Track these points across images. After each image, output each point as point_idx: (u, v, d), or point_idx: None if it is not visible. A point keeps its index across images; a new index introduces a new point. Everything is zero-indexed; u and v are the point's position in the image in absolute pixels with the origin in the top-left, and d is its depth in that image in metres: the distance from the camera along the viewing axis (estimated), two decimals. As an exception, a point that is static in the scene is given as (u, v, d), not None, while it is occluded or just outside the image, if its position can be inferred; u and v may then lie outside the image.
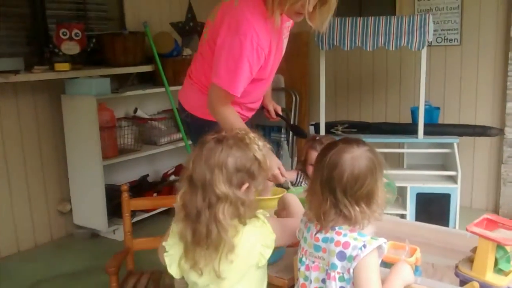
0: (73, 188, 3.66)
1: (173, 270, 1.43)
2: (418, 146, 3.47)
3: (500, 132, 3.55)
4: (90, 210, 3.59)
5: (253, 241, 1.36)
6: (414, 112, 3.59)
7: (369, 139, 3.21)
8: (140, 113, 3.96)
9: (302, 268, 1.34)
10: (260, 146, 1.39)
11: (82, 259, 3.34)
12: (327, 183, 1.29)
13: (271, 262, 1.62)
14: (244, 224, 1.35)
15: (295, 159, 4.80)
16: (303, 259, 1.34)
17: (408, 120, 3.95)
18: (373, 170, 1.28)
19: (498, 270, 1.42)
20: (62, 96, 3.54)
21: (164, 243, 1.44)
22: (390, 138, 3.44)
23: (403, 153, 3.65)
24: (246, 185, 1.36)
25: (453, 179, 3.23)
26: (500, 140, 3.82)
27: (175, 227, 1.40)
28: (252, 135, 1.41)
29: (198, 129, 2.45)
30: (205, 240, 1.31)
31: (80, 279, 3.06)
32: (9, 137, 3.40)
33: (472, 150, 3.94)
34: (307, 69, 4.75)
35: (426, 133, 3.33)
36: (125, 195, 2.41)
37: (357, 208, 1.26)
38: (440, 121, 3.77)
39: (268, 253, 1.38)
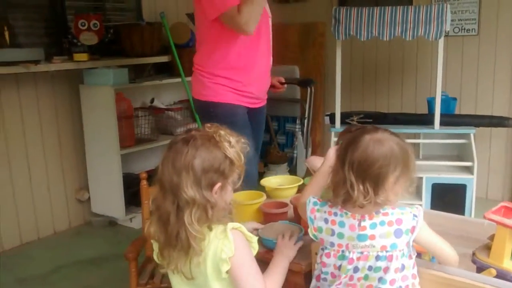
0: (91, 176, 3.72)
1: (156, 257, 1.44)
2: (434, 136, 3.46)
3: (511, 121, 3.52)
4: (107, 199, 3.65)
5: (213, 251, 1.33)
6: (430, 103, 3.57)
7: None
8: (156, 103, 4.00)
9: (345, 263, 1.33)
10: (232, 143, 1.36)
11: (100, 246, 3.41)
12: (341, 157, 1.32)
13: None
14: (210, 229, 1.34)
15: (310, 149, 4.81)
16: (346, 254, 1.33)
17: (424, 110, 3.93)
18: (389, 158, 1.28)
19: (515, 257, 1.44)
20: (80, 86, 3.60)
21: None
22: (406, 128, 3.43)
23: (419, 144, 3.63)
24: (218, 185, 1.34)
25: (469, 169, 3.21)
26: (510, 131, 3.78)
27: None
28: (222, 132, 1.37)
29: (204, 112, 2.59)
30: (175, 243, 1.31)
31: (99, 265, 3.12)
32: (29, 126, 3.46)
33: (489, 141, 3.91)
34: (322, 60, 4.75)
35: (442, 123, 3.32)
36: (143, 183, 2.45)
37: (361, 187, 1.26)
38: (456, 112, 3.74)
39: (225, 268, 1.32)
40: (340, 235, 1.34)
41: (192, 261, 1.33)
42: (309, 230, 1.42)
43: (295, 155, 4.78)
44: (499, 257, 1.42)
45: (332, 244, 1.36)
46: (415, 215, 1.31)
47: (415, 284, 1.34)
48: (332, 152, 1.68)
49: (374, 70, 4.46)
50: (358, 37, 3.30)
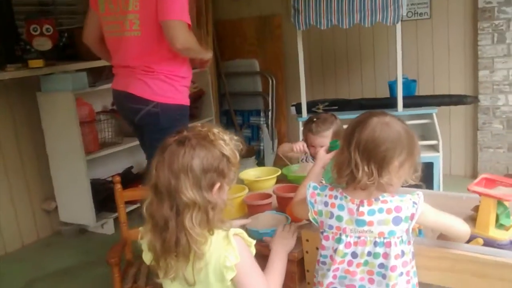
0: (56, 185, 3.60)
1: (147, 258, 1.40)
2: (398, 118, 3.54)
3: (475, 99, 3.67)
4: (76, 206, 3.54)
5: (216, 258, 1.30)
6: (391, 86, 3.66)
7: (350, 115, 3.26)
8: (118, 105, 3.90)
9: (341, 247, 1.33)
10: (226, 141, 1.34)
11: (72, 256, 3.31)
12: (348, 137, 1.32)
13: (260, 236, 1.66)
14: (212, 233, 1.31)
15: (276, 141, 4.84)
16: (342, 237, 1.34)
17: (385, 94, 4.03)
18: (396, 142, 1.30)
19: (499, 226, 1.50)
20: (37, 93, 3.46)
21: (141, 228, 1.40)
22: (371, 112, 3.49)
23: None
24: (217, 185, 1.31)
25: (434, 148, 3.32)
26: (475, 107, 3.94)
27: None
28: (215, 130, 1.35)
29: (171, 116, 2.57)
30: (175, 249, 1.27)
31: (74, 275, 3.03)
32: (-14, 138, 3.31)
33: (448, 119, 4.05)
34: (281, 51, 4.77)
35: (405, 105, 3.41)
36: (118, 187, 2.39)
37: (365, 168, 1.28)
38: (416, 94, 3.85)
39: (230, 275, 1.29)
40: (339, 218, 1.35)
41: (195, 266, 1.29)
42: (309, 215, 1.42)
43: (262, 147, 4.80)
44: (485, 226, 1.48)
45: (330, 227, 1.37)
46: (414, 202, 1.31)
47: (413, 266, 1.37)
48: (322, 152, 1.71)
49: (333, 58, 4.52)
50: (318, 26, 3.34)
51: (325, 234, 1.38)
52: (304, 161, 2.47)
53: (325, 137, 2.33)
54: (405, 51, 4.00)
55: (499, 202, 1.47)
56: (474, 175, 4.00)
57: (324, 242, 1.38)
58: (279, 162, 2.41)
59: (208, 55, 2.70)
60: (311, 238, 1.60)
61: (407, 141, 1.31)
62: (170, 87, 2.53)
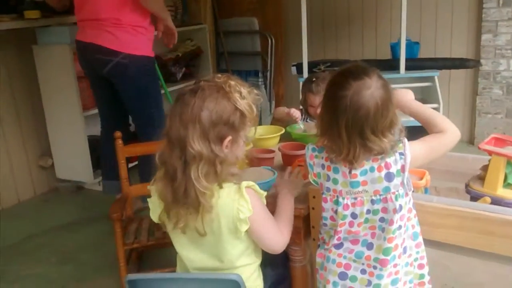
0: (53, 141, 3.56)
1: (155, 216, 1.39)
2: (399, 81, 3.52)
3: (477, 63, 3.64)
4: (73, 163, 3.52)
5: (229, 211, 1.29)
6: (394, 48, 3.62)
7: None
8: (115, 61, 3.83)
9: (340, 209, 1.33)
10: (242, 94, 1.29)
11: (70, 212, 3.30)
12: (354, 126, 1.24)
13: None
14: (221, 187, 1.29)
15: (273, 102, 4.81)
16: (339, 200, 1.33)
17: (385, 56, 3.99)
18: (390, 95, 1.26)
19: (507, 185, 1.50)
20: (33, 46, 3.37)
21: (149, 187, 1.40)
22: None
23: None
24: (228, 139, 1.28)
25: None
26: (475, 72, 3.92)
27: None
28: (232, 81, 1.30)
29: (139, 67, 2.74)
30: (184, 200, 1.26)
31: (73, 231, 3.04)
32: (-19, 92, 3.25)
33: (448, 83, 4.03)
34: (281, 10, 4.68)
35: (407, 68, 3.39)
36: (118, 142, 2.36)
37: (385, 140, 1.25)
38: (418, 56, 3.82)
39: (243, 227, 1.29)
40: (335, 181, 1.34)
41: (204, 218, 1.28)
42: (309, 176, 1.41)
43: (259, 109, 4.76)
44: (494, 185, 1.48)
45: (328, 189, 1.36)
46: (401, 154, 1.28)
47: (411, 217, 1.36)
48: None
49: (334, 18, 4.44)
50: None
51: (323, 196, 1.38)
52: (305, 121, 2.44)
53: None
54: (408, 12, 3.93)
55: (508, 161, 1.47)
56: (471, 140, 4.03)
57: (323, 204, 1.38)
58: (275, 124, 2.38)
59: (168, 18, 2.84)
60: (318, 195, 1.59)
61: (390, 95, 1.26)
62: (137, 39, 2.70)
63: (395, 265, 1.33)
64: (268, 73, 4.71)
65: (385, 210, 1.30)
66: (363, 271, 1.34)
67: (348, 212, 1.33)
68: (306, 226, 1.67)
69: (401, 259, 1.34)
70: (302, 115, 2.48)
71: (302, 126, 2.31)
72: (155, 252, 2.53)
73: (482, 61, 3.80)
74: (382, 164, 1.28)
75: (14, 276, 2.57)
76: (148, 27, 2.75)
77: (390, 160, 1.28)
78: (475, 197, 1.51)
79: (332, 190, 1.35)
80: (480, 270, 2.10)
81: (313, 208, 1.63)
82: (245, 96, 1.30)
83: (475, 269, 2.07)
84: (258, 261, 1.46)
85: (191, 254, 1.39)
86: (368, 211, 1.32)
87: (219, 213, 1.29)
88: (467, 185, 1.56)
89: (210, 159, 1.26)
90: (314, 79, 2.38)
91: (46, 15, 3.27)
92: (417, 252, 1.38)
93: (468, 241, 1.41)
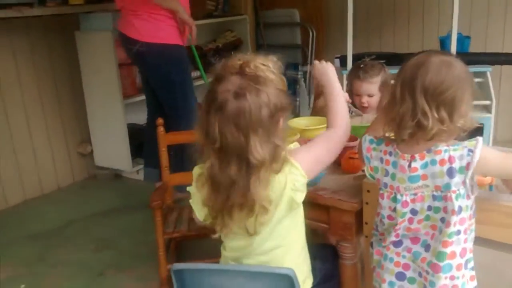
0: (93, 128, 3.57)
1: (202, 215, 1.33)
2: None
3: (533, 59, 3.45)
4: (112, 151, 3.52)
5: (282, 188, 1.23)
6: (444, 41, 3.46)
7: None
8: (156, 50, 3.80)
9: (399, 206, 1.24)
10: (273, 71, 1.21)
11: (108, 200, 3.30)
12: (409, 83, 1.17)
13: (312, 184, 1.56)
14: (277, 173, 1.22)
15: (312, 96, 4.70)
16: (397, 197, 1.24)
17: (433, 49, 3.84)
18: (462, 80, 1.17)
19: None
20: (76, 32, 3.38)
21: (189, 188, 1.33)
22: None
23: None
24: (281, 121, 1.23)
25: (486, 108, 3.16)
26: (527, 68, 3.72)
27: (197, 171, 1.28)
28: (259, 62, 1.20)
29: (157, 55, 2.71)
30: (240, 207, 1.20)
31: (111, 218, 3.03)
32: (24, 77, 3.26)
33: (499, 80, 3.85)
34: (322, 2, 4.56)
35: (457, 62, 3.23)
36: (160, 129, 2.32)
37: (435, 115, 1.14)
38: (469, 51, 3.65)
39: (300, 196, 1.26)
40: (393, 176, 1.25)
41: (258, 219, 1.22)
42: (365, 170, 1.33)
43: (298, 102, 4.67)
44: None
45: (385, 185, 1.27)
46: (470, 150, 1.16)
47: (473, 223, 1.25)
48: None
49: (379, 10, 4.30)
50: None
51: (381, 192, 1.29)
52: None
53: (373, 84, 2.20)
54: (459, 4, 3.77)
55: None
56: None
57: (381, 201, 1.29)
58: (315, 115, 2.29)
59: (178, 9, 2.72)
60: (373, 189, 1.50)
61: (470, 80, 1.20)
62: (155, 26, 2.67)
63: (452, 278, 1.21)
64: (308, 67, 4.60)
65: (446, 209, 1.20)
66: (420, 274, 1.25)
67: (407, 209, 1.24)
68: (358, 222, 1.58)
69: (461, 273, 1.22)
70: (349, 109, 2.39)
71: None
72: (194, 242, 2.49)
73: (537, 57, 3.60)
74: (446, 157, 1.17)
75: (54, 261, 2.57)
76: (170, 14, 2.69)
77: (455, 154, 1.17)
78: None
79: (389, 186, 1.26)
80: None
81: (366, 203, 1.55)
82: (274, 72, 1.22)
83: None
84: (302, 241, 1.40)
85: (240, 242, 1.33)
86: (430, 208, 1.21)
87: (276, 202, 1.23)
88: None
89: (270, 163, 1.19)
90: (362, 65, 2.27)
91: (90, 1, 3.27)
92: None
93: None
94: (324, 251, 1.70)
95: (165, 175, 2.35)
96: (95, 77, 3.39)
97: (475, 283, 1.27)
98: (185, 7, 2.77)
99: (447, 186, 1.18)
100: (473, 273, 1.26)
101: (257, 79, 1.18)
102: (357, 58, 3.45)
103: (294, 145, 1.31)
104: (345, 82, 3.41)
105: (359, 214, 1.57)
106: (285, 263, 1.32)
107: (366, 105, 2.22)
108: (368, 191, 1.53)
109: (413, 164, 1.20)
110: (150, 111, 3.04)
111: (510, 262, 1.47)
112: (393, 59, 3.45)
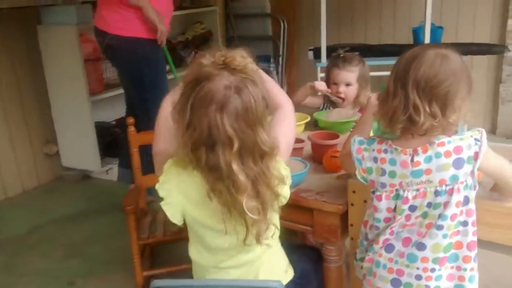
0: (58, 128, 3.41)
1: (177, 218, 1.24)
2: (421, 67, 3.35)
3: (505, 49, 3.46)
4: (79, 151, 3.37)
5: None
6: (417, 32, 3.45)
7: (373, 61, 3.06)
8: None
9: (399, 203, 1.19)
10: (253, 63, 1.16)
11: (76, 202, 3.16)
12: (402, 76, 1.14)
13: (294, 185, 1.54)
14: None
15: (286, 89, 4.64)
16: (400, 193, 1.19)
17: (404, 41, 3.83)
18: (457, 74, 1.13)
19: None
20: (38, 26, 3.20)
21: (157, 186, 1.23)
22: (395, 60, 3.29)
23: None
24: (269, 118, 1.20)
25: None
26: (499, 58, 3.74)
27: (172, 167, 1.20)
28: (239, 55, 1.14)
29: (127, 49, 2.53)
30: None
31: (80, 222, 2.89)
32: (-17, 75, 3.08)
33: (470, 70, 3.85)
34: (294, -8, 4.50)
35: (430, 53, 3.21)
36: (131, 129, 2.21)
37: (427, 109, 1.11)
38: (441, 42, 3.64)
39: (286, 190, 1.21)
40: (392, 174, 1.19)
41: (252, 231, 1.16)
42: (357, 173, 1.26)
43: (270, 95, 4.59)
44: None
45: (383, 185, 1.21)
46: (477, 140, 1.14)
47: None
48: (373, 99, 1.52)
49: (350, 2, 4.26)
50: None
51: (377, 193, 1.23)
52: (326, 109, 2.28)
53: (351, 72, 2.18)
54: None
55: None
56: (493, 130, 3.87)
57: (377, 204, 1.22)
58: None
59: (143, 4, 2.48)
60: (358, 190, 1.45)
61: (466, 73, 1.16)
62: (123, 18, 2.49)
63: (458, 268, 1.18)
64: (280, 59, 4.54)
65: (447, 204, 1.15)
66: (418, 277, 1.19)
67: (407, 206, 1.19)
68: (343, 225, 1.52)
69: (470, 265, 1.19)
70: (324, 103, 2.33)
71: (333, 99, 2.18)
72: (170, 246, 2.38)
73: (509, 47, 3.62)
74: (451, 149, 1.13)
75: (20, 270, 2.44)
76: (136, 3, 2.47)
77: (462, 144, 1.14)
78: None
79: (389, 185, 1.20)
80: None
81: (352, 204, 1.49)
82: (253, 63, 1.16)
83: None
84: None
85: (218, 241, 1.26)
86: (429, 205, 1.17)
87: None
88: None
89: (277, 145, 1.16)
90: (341, 54, 2.23)
91: (52, -7, 3.10)
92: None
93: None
94: (306, 251, 1.67)
95: (138, 177, 2.24)
96: (60, 73, 3.23)
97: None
98: (162, 12, 2.54)
99: (454, 178, 1.14)
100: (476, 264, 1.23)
101: (248, 72, 1.13)
102: (330, 50, 3.40)
103: None
104: (319, 75, 3.39)
105: (344, 216, 1.51)
106: (265, 258, 1.29)
107: (343, 95, 2.18)
108: (354, 191, 1.47)
109: (416, 158, 1.16)
110: (127, 110, 2.87)
111: (494, 259, 1.45)
112: (366, 50, 3.43)
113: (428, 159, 1.15)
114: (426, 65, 1.12)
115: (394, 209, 1.20)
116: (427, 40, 3.16)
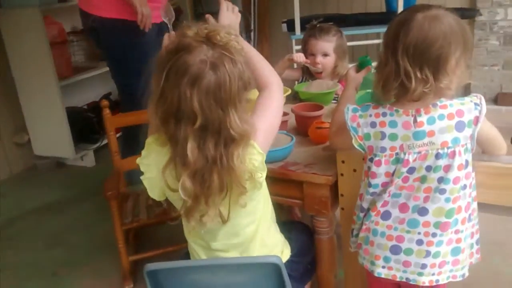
0: (28, 115, 3.28)
1: (155, 194, 1.22)
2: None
3: (477, 13, 3.47)
4: (51, 138, 3.25)
5: (244, 170, 1.14)
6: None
7: (348, 31, 3.03)
8: (90, 25, 3.52)
9: (399, 167, 1.17)
10: (237, 40, 1.12)
11: (52, 191, 3.06)
12: (391, 43, 1.12)
13: (281, 158, 1.53)
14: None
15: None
16: (401, 156, 1.16)
17: (376, 9, 3.80)
18: (449, 36, 1.09)
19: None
20: (-2, 9, 3.05)
21: (138, 161, 1.21)
22: (367, 29, 3.27)
23: (379, 44, 3.51)
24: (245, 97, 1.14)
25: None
26: (470, 23, 3.75)
27: (152, 144, 1.17)
28: (224, 31, 1.10)
29: (110, 31, 2.34)
30: (218, 190, 1.11)
31: (59, 211, 2.80)
32: None
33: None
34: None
35: (404, 20, 3.19)
36: (106, 112, 2.14)
37: (418, 75, 1.09)
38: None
39: (261, 176, 1.16)
40: (393, 137, 1.16)
41: (239, 202, 1.14)
42: (353, 142, 1.22)
43: (243, 71, 4.53)
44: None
45: (383, 149, 1.18)
46: (476, 104, 1.15)
47: (474, 177, 1.21)
48: (352, 72, 1.51)
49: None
50: None
51: (376, 159, 1.19)
52: (305, 81, 2.25)
53: (329, 42, 2.16)
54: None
55: None
56: (466, 94, 3.88)
57: (375, 169, 1.19)
58: None
59: None
60: (348, 159, 1.42)
61: (461, 33, 1.12)
62: None
63: (456, 232, 1.18)
64: (252, 33, 4.45)
65: (448, 167, 1.14)
66: (419, 242, 1.18)
67: (406, 168, 1.16)
68: (333, 195, 1.50)
69: (465, 226, 1.19)
70: (302, 76, 2.29)
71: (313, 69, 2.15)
72: (154, 229, 2.34)
73: (480, 11, 3.63)
74: (454, 111, 1.13)
75: (1, 263, 2.34)
76: None
77: (463, 108, 1.14)
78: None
79: (389, 148, 1.17)
80: (501, 229, 2.01)
81: (342, 175, 1.46)
82: (237, 39, 1.12)
83: (495, 228, 1.96)
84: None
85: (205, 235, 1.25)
86: (428, 168, 1.15)
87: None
88: (514, 139, 1.40)
89: (249, 134, 1.10)
90: (318, 25, 2.20)
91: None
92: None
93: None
94: (297, 225, 1.66)
95: (116, 161, 2.17)
96: (25, 59, 3.09)
97: (478, 236, 1.25)
98: None
99: (456, 140, 1.14)
100: (477, 227, 1.24)
101: (229, 49, 1.08)
102: (304, 21, 3.35)
103: None
104: (294, 47, 3.34)
105: (333, 187, 1.49)
106: (257, 240, 1.27)
107: (320, 66, 2.15)
108: (343, 161, 1.44)
109: (419, 119, 1.14)
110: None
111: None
112: (342, 21, 3.39)
113: (431, 121, 1.14)
114: (414, 30, 1.09)
115: (393, 174, 1.18)
116: (400, 7, 3.14)
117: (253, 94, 1.26)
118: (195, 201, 1.10)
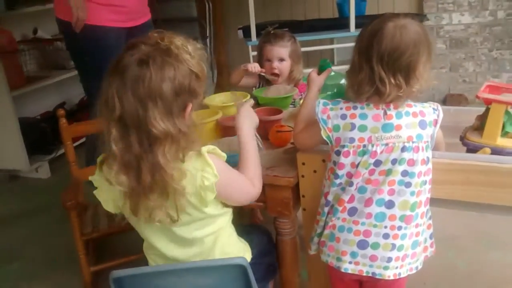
0: (-22, 127, 3.16)
1: (110, 206, 1.24)
2: (348, 40, 3.42)
3: (424, 18, 3.62)
4: (4, 150, 3.15)
5: (193, 183, 1.16)
6: (341, 5, 3.51)
7: (303, 37, 3.10)
8: (41, 33, 3.44)
9: (365, 157, 1.22)
10: (191, 53, 1.14)
11: (6, 204, 2.96)
12: (365, 51, 1.21)
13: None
14: (183, 161, 1.14)
15: (215, 71, 4.58)
16: (368, 148, 1.22)
17: (330, 14, 3.89)
18: (418, 44, 1.19)
19: (504, 134, 1.43)
20: None
21: (91, 178, 1.24)
22: (322, 34, 3.35)
23: (333, 49, 3.60)
24: (190, 107, 1.15)
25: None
26: (419, 27, 3.90)
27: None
28: (178, 41, 1.14)
29: (71, 34, 2.29)
30: (153, 189, 1.12)
31: (13, 225, 2.72)
32: None
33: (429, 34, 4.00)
34: (217, -29, 4.41)
35: (356, 26, 3.29)
36: (62, 121, 2.11)
37: (392, 81, 1.18)
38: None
39: (210, 196, 1.17)
40: (362, 128, 1.23)
41: (178, 202, 1.14)
42: (322, 133, 1.28)
43: (200, 78, 4.52)
44: (493, 135, 1.41)
45: (352, 140, 1.24)
46: (434, 109, 1.28)
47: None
48: (314, 74, 1.55)
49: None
50: None
51: (344, 150, 1.25)
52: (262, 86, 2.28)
53: (284, 48, 2.20)
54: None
55: (506, 110, 1.40)
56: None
57: (343, 160, 1.24)
58: (219, 92, 2.21)
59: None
60: (308, 161, 1.46)
61: (425, 40, 1.22)
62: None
63: (416, 225, 1.24)
64: (208, 40, 4.46)
65: (412, 162, 1.22)
66: (386, 236, 1.23)
67: (373, 160, 1.22)
68: (294, 197, 1.53)
69: (423, 220, 1.26)
70: (259, 82, 2.33)
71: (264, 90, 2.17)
72: (114, 238, 2.30)
73: (427, 16, 3.79)
74: (417, 111, 1.25)
75: (-48, 283, 2.25)
76: None
77: (424, 110, 1.26)
78: (473, 149, 1.44)
79: (358, 139, 1.23)
80: (454, 224, 2.09)
81: (302, 176, 1.50)
82: (194, 55, 1.15)
83: (448, 223, 2.05)
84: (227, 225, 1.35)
85: (159, 243, 1.26)
86: (394, 161, 1.22)
87: (186, 189, 1.14)
88: (462, 137, 1.48)
89: (176, 136, 1.11)
90: (272, 31, 2.24)
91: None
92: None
93: (474, 194, 1.33)
94: (257, 228, 1.70)
95: (74, 170, 2.14)
96: (-27, 69, 2.99)
97: (431, 230, 1.33)
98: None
99: (420, 137, 1.23)
100: (431, 221, 1.32)
101: (168, 52, 1.10)
102: (259, 28, 3.39)
103: (212, 148, 1.21)
104: (251, 53, 3.37)
105: (295, 189, 1.52)
106: (216, 249, 1.28)
107: (277, 71, 2.19)
108: (303, 163, 1.48)
109: (389, 112, 1.22)
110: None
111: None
112: (297, 27, 3.46)
113: (399, 115, 1.23)
114: (387, 39, 1.18)
115: (358, 165, 1.23)
116: (352, 13, 3.23)
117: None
118: (136, 195, 1.12)
